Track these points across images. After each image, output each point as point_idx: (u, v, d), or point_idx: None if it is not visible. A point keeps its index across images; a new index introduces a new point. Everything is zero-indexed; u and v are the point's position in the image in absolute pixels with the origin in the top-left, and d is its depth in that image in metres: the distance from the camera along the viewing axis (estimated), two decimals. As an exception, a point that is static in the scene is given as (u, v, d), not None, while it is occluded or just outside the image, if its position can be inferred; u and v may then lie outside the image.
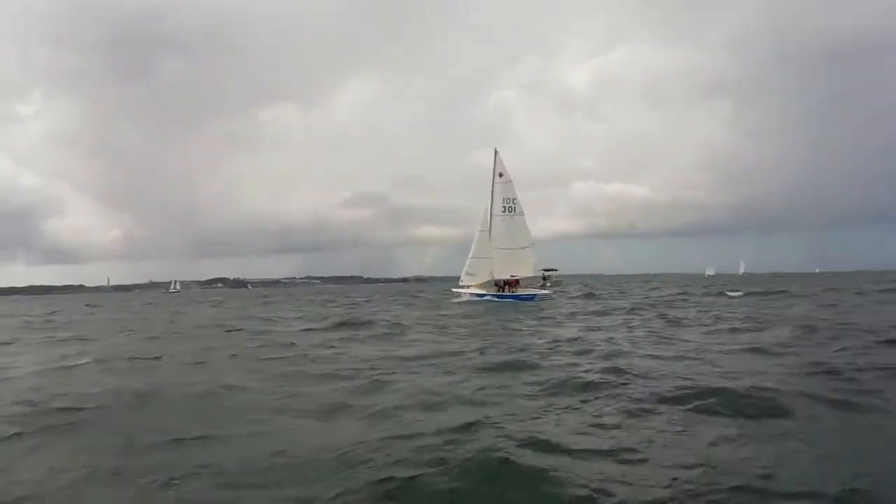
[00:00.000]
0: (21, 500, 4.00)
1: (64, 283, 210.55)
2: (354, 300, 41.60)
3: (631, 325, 15.86)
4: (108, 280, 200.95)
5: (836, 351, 9.57)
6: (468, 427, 5.21)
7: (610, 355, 9.54)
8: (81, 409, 6.49)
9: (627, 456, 4.55)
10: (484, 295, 31.55)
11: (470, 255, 33.16)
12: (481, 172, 35.43)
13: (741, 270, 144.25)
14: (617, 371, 7.93)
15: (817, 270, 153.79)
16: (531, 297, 31.07)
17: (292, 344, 12.72)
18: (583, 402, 6.40)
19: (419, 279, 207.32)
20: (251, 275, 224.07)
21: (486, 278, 32.60)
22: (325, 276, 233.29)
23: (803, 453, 4.57)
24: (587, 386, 7.14)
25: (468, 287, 32.56)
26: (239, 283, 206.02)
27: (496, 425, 5.29)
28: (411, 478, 4.04)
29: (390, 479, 4.02)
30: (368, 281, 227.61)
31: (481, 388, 7.22)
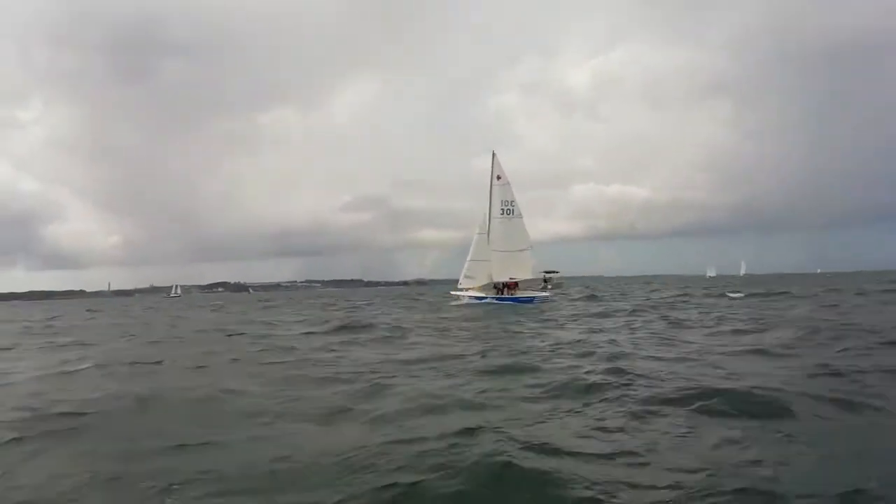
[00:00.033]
0: (21, 507, 3.97)
1: (64, 289, 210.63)
2: (355, 303, 41.56)
3: (633, 326, 15.83)
4: (109, 285, 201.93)
5: (839, 352, 9.55)
6: (470, 431, 5.17)
7: (612, 357, 9.50)
8: (82, 415, 6.46)
9: (631, 459, 4.53)
10: (483, 298, 31.53)
11: (468, 258, 33.19)
12: (481, 178, 35.44)
13: (742, 271, 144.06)
14: (619, 373, 7.90)
15: (818, 271, 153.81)
16: (530, 300, 31.13)
17: (293, 348, 12.70)
18: (585, 404, 6.37)
19: (420, 282, 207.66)
20: (252, 279, 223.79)
21: (485, 281, 32.61)
22: (326, 279, 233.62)
23: (807, 455, 4.55)
24: (590, 388, 7.10)
25: (467, 290, 32.56)
26: (240, 287, 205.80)
27: (498, 429, 5.26)
28: (414, 483, 4.01)
29: (393, 484, 3.99)
30: (369, 284, 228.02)
31: (483, 392, 7.18)
